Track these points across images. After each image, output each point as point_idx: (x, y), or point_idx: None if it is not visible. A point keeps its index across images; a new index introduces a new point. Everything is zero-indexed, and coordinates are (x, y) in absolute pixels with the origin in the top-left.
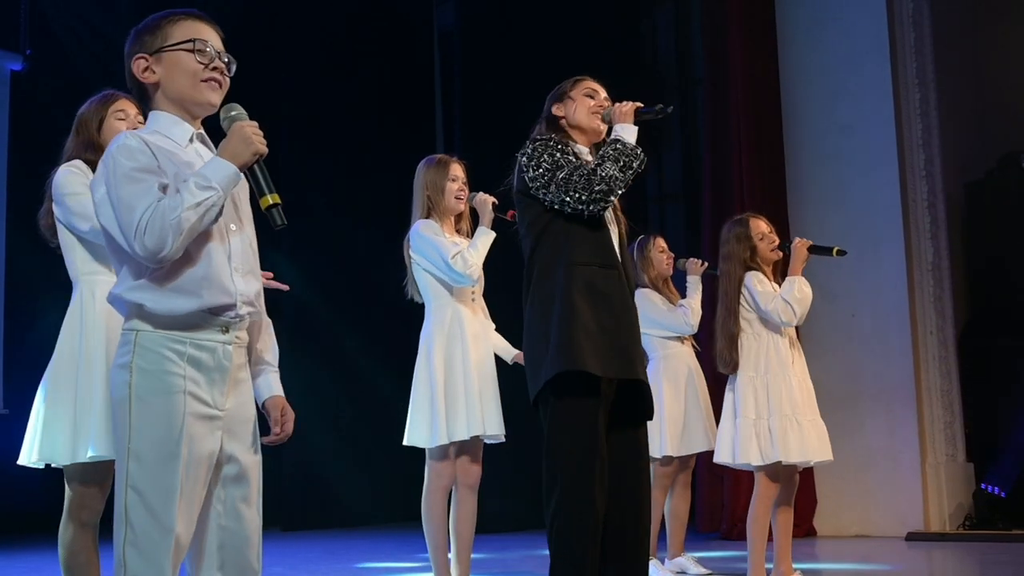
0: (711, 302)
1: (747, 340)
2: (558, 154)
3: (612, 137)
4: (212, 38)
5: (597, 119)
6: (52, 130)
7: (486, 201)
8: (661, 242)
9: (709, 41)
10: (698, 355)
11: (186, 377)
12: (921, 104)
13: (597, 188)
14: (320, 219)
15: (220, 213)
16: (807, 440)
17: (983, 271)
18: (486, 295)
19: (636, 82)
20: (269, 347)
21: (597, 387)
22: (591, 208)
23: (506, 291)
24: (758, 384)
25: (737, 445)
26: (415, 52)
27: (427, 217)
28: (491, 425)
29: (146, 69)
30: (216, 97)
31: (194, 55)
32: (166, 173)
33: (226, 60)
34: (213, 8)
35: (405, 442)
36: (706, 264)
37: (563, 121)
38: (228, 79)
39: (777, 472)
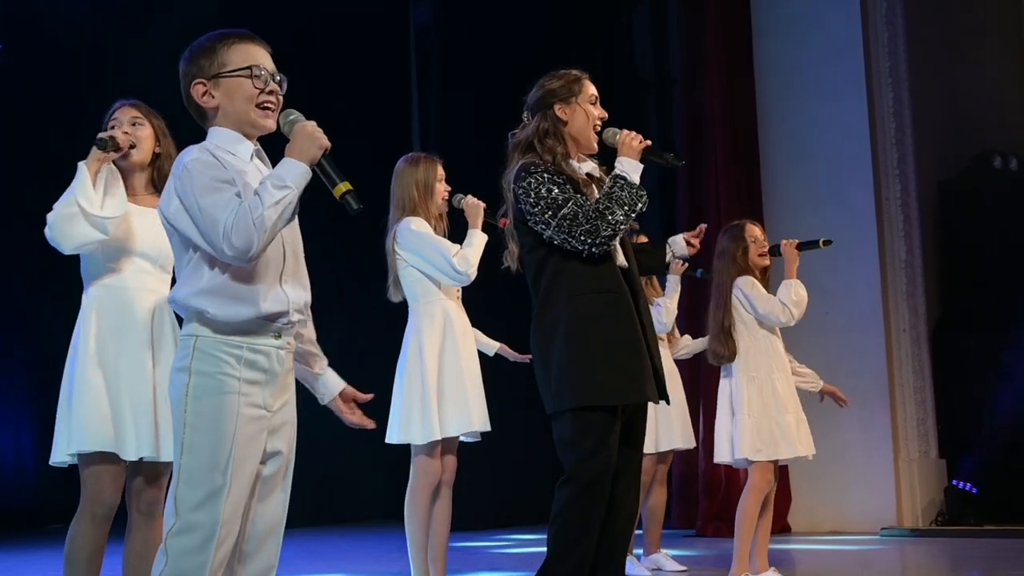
0: (704, 302)
1: (743, 341)
2: (556, 189)
3: (617, 173)
4: (265, 60)
5: (595, 136)
6: (26, 125)
7: (478, 205)
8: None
9: (685, 40)
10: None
11: (241, 379)
12: (895, 103)
13: (604, 234)
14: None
15: (296, 211)
16: (800, 436)
17: (956, 269)
18: (467, 292)
19: (613, 81)
20: (311, 335)
21: (610, 409)
22: (594, 251)
23: (484, 291)
24: (760, 383)
25: (737, 442)
26: (391, 50)
27: (412, 214)
28: (481, 422)
29: (205, 94)
30: (271, 123)
31: (251, 80)
32: (237, 184)
33: (279, 79)
34: (184, 8)
35: (393, 440)
36: (686, 265)
37: (565, 128)
38: (281, 98)
39: (772, 469)
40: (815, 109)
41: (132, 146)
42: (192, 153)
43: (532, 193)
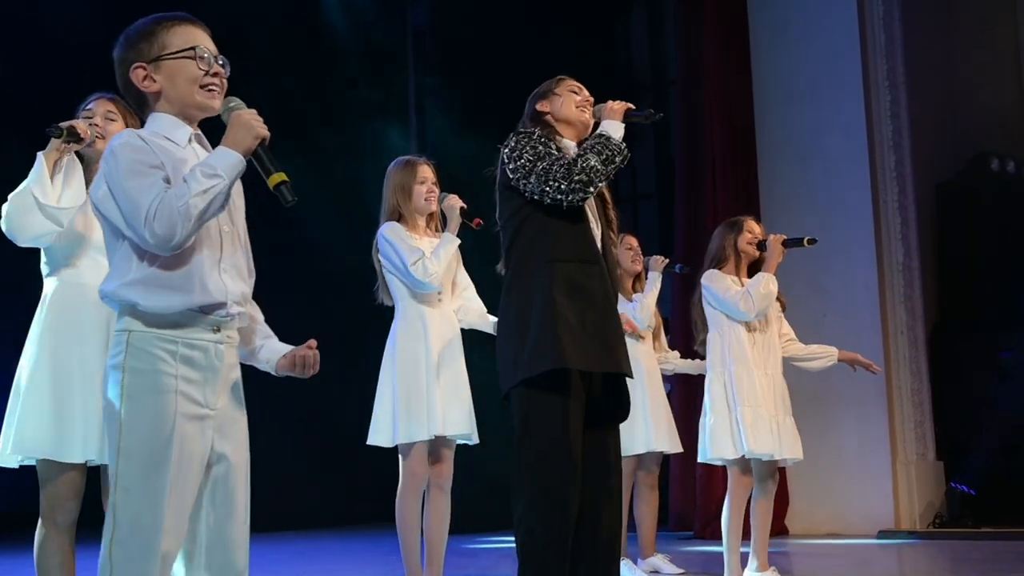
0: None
1: (712, 337)
2: (540, 146)
3: (598, 132)
4: (207, 42)
5: (586, 113)
6: (26, 125)
7: (454, 206)
8: (630, 240)
9: (682, 42)
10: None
11: (178, 376)
12: (892, 105)
13: (576, 178)
14: (289, 219)
15: (226, 201)
16: (776, 436)
17: (953, 272)
18: (477, 283)
19: (610, 82)
20: (259, 317)
21: (574, 386)
22: (570, 198)
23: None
24: (726, 379)
25: (708, 441)
26: (388, 52)
27: (395, 219)
28: (453, 426)
29: (146, 78)
30: (217, 103)
31: (195, 62)
32: (166, 169)
33: (222, 63)
34: (185, 9)
35: (368, 442)
36: (667, 261)
37: (548, 116)
38: (226, 81)
39: (748, 467)
40: (813, 110)
41: (101, 137)
42: (121, 137)
43: (516, 150)
